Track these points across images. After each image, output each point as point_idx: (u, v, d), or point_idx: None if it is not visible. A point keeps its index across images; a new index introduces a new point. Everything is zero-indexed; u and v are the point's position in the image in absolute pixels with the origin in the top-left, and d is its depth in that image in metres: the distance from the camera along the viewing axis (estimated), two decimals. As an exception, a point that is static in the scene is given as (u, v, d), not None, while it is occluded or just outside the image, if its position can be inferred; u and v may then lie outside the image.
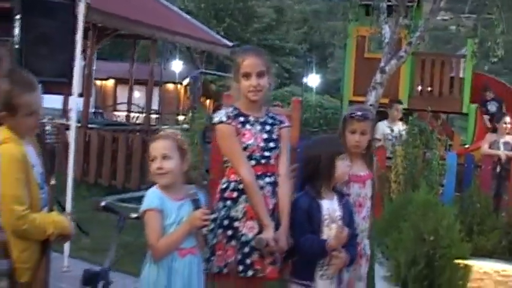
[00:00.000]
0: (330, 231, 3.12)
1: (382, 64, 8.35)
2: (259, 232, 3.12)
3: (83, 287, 2.38)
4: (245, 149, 3.20)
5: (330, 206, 3.18)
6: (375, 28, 9.39)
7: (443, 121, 13.59)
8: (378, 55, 10.19)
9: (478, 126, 12.06)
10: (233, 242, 3.16)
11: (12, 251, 2.18)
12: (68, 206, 5.23)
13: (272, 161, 3.25)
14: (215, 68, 25.80)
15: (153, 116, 18.12)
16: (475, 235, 5.51)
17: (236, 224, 3.17)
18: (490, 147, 7.85)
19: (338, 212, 3.19)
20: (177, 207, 2.92)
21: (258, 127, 3.26)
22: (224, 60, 26.52)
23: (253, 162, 3.19)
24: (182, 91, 26.69)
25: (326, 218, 3.15)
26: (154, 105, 17.84)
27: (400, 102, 8.20)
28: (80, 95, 6.04)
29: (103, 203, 2.66)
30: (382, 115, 7.81)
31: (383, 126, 7.47)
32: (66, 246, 5.23)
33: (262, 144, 3.23)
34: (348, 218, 3.23)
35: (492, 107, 11.97)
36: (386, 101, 8.43)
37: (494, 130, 8.33)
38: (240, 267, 3.14)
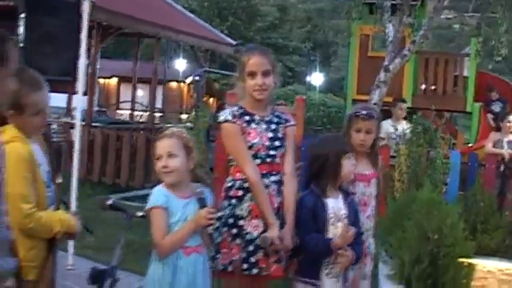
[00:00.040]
0: (336, 230, 3.13)
1: (386, 63, 8.35)
2: (264, 230, 3.13)
3: (90, 284, 2.39)
4: (250, 147, 3.20)
5: (335, 205, 3.19)
6: (378, 27, 9.39)
7: (446, 120, 13.55)
8: (381, 54, 10.19)
9: (481, 125, 12.05)
10: (238, 241, 3.17)
11: (19, 249, 2.19)
12: (73, 204, 5.25)
13: (277, 160, 3.25)
14: (218, 66, 25.80)
15: (157, 115, 18.13)
16: (478, 234, 5.52)
17: (241, 222, 3.18)
18: (494, 146, 7.85)
19: (343, 211, 3.19)
20: (183, 205, 2.93)
21: (264, 126, 3.26)
22: (227, 58, 26.55)
23: (258, 161, 3.20)
24: (185, 89, 26.70)
25: (331, 216, 3.15)
26: (158, 104, 17.84)
27: (404, 101, 8.20)
28: (84, 94, 6.04)
29: (110, 202, 2.67)
30: (386, 114, 7.82)
31: (387, 125, 7.47)
32: (71, 244, 5.24)
33: (267, 143, 3.23)
34: (353, 217, 3.23)
35: (496, 107, 11.95)
36: (390, 99, 8.43)
37: (498, 129, 8.33)
38: (245, 265, 3.15)
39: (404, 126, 7.44)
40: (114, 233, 5.77)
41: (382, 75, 8.31)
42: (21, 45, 4.88)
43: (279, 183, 3.24)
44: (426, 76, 12.77)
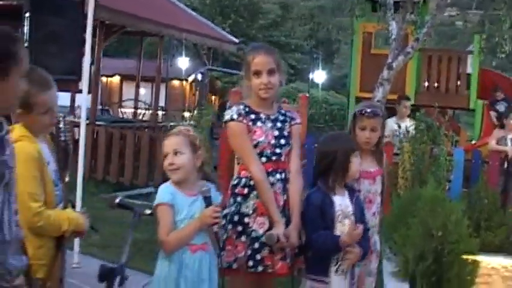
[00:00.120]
0: (343, 227, 3.15)
1: (389, 60, 8.35)
2: (270, 228, 3.14)
3: (100, 282, 2.40)
4: (256, 146, 3.21)
5: (342, 202, 3.20)
6: (381, 24, 9.38)
7: (450, 117, 13.57)
8: (384, 51, 10.19)
9: (485, 122, 12.03)
10: (243, 238, 3.18)
11: (28, 247, 2.22)
12: (78, 203, 5.28)
13: (283, 158, 3.27)
14: (221, 64, 25.80)
15: (160, 113, 18.15)
16: (482, 231, 5.53)
17: (246, 219, 3.19)
18: (497, 143, 7.85)
19: (350, 208, 3.21)
20: (189, 203, 2.94)
21: (269, 124, 3.27)
22: (230, 56, 26.55)
23: (264, 159, 3.21)
24: (188, 88, 26.72)
25: (339, 213, 3.17)
26: (161, 102, 17.86)
27: (408, 99, 8.20)
28: (88, 92, 6.08)
29: (118, 200, 2.69)
30: (390, 111, 7.82)
31: (391, 123, 7.47)
32: (76, 242, 5.27)
33: (273, 141, 3.25)
34: (359, 214, 3.25)
35: (501, 107, 11.92)
36: (394, 97, 8.43)
37: (501, 126, 8.33)
38: (250, 263, 3.16)
39: (407, 123, 7.44)
40: (119, 231, 5.83)
41: (385, 73, 8.30)
42: (26, 44, 4.90)
43: (285, 181, 3.25)
44: (429, 73, 12.75)
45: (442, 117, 11.82)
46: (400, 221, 4.77)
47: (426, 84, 12.76)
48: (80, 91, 6.03)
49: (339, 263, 3.15)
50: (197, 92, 22.13)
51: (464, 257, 4.31)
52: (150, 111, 16.55)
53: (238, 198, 3.23)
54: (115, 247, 5.64)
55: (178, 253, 2.91)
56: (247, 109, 3.26)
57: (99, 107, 17.27)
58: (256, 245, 3.17)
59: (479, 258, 4.55)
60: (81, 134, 5.67)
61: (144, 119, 17.51)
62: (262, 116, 3.27)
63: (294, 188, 3.24)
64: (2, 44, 1.91)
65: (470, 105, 12.49)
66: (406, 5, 8.69)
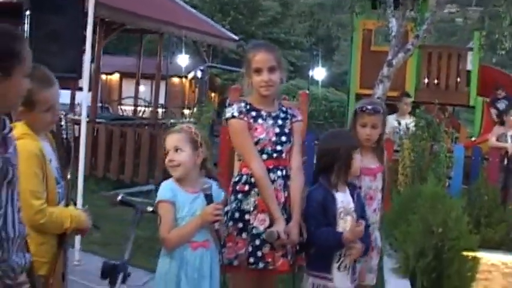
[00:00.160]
0: (345, 224, 3.16)
1: (389, 57, 8.35)
2: (271, 225, 3.15)
3: (102, 279, 2.41)
4: (257, 143, 3.22)
5: (344, 199, 3.21)
6: (381, 21, 9.38)
7: (450, 114, 13.56)
8: (384, 48, 10.18)
9: (485, 119, 12.03)
10: (244, 235, 3.19)
11: (30, 245, 2.23)
12: (79, 200, 5.29)
13: (284, 155, 3.28)
14: (220, 61, 25.78)
15: (160, 110, 18.16)
16: (482, 227, 5.53)
17: (247, 216, 3.20)
18: (497, 140, 7.87)
19: (352, 204, 3.22)
20: (191, 200, 2.96)
21: (270, 121, 3.28)
22: (229, 53, 26.52)
23: (265, 156, 3.22)
24: (188, 85, 26.71)
25: (341, 210, 3.18)
26: (161, 99, 17.86)
27: (409, 96, 8.21)
28: (88, 90, 6.08)
29: (120, 197, 2.70)
30: (390, 108, 7.83)
31: (391, 120, 7.48)
32: (77, 240, 5.28)
33: (274, 138, 3.25)
34: (360, 210, 3.26)
35: (502, 105, 11.93)
36: (394, 94, 8.44)
37: (501, 123, 8.34)
38: (251, 260, 3.17)
39: (407, 120, 7.45)
40: (120, 229, 5.84)
41: (385, 70, 8.30)
42: (27, 43, 4.90)
43: (286, 178, 3.26)
44: (429, 70, 12.75)
45: (442, 114, 11.80)
46: (401, 218, 4.78)
47: (426, 81, 12.76)
48: (80, 89, 6.04)
49: (341, 259, 3.17)
50: (197, 89, 22.14)
51: (465, 253, 4.32)
52: (150, 109, 16.56)
53: (239, 195, 3.23)
54: (116, 245, 5.66)
55: (179, 250, 2.92)
56: (248, 106, 3.27)
57: (99, 104, 17.29)
58: (257, 242, 3.17)
59: (479, 254, 4.57)
60: (82, 131, 5.68)
61: (143, 116, 17.52)
62: (263, 113, 3.28)
63: (295, 185, 3.25)
64: (5, 43, 1.91)
65: (470, 102, 12.49)
66: (406, 2, 8.69)
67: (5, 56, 1.90)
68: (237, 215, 3.22)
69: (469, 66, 12.72)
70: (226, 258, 3.17)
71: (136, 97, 16.69)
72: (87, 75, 5.61)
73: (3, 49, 1.90)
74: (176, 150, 2.97)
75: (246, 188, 3.22)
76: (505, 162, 7.02)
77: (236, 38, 16.91)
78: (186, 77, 26.27)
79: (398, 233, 4.66)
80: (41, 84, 2.62)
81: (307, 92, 9.53)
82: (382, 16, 9.33)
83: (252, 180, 3.20)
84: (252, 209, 3.21)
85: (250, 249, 3.17)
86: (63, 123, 2.82)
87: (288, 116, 3.35)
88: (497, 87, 11.83)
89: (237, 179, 3.28)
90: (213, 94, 25.03)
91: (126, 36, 23.34)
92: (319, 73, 32.34)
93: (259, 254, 3.18)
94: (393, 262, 4.68)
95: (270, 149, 3.24)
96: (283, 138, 3.28)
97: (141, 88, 18.95)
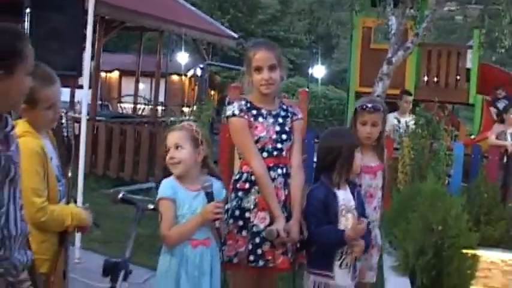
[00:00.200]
0: (346, 222, 3.17)
1: (389, 55, 8.35)
2: (271, 223, 3.16)
3: (104, 276, 2.42)
4: (257, 141, 3.23)
5: (345, 197, 3.22)
6: (381, 19, 9.38)
7: (449, 112, 13.57)
8: (384, 46, 10.19)
9: (484, 117, 12.04)
10: (244, 233, 3.20)
11: (31, 242, 2.24)
12: (79, 198, 5.30)
13: (284, 153, 3.28)
14: (220, 59, 25.78)
15: (159, 108, 18.15)
16: (482, 225, 5.54)
17: (247, 214, 3.21)
18: (497, 138, 7.87)
19: (352, 202, 3.23)
20: (191, 197, 2.96)
21: (271, 120, 3.29)
22: (229, 51, 26.52)
23: (265, 154, 3.23)
24: (187, 83, 26.70)
25: (342, 208, 3.19)
26: (160, 97, 17.85)
27: (409, 94, 8.21)
28: (88, 88, 6.09)
29: (121, 195, 2.71)
30: (390, 106, 7.82)
31: (391, 118, 7.48)
32: (78, 238, 5.29)
33: (274, 136, 3.26)
34: (360, 208, 3.27)
35: (502, 104, 11.94)
36: (392, 92, 8.44)
37: (501, 121, 8.34)
38: (251, 257, 3.18)
39: (407, 118, 7.45)
40: (120, 227, 5.84)
41: (385, 68, 8.30)
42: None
43: (286, 176, 3.27)
44: (429, 68, 12.75)
45: (441, 112, 11.79)
46: (400, 216, 4.79)
47: (426, 79, 12.76)
48: (80, 87, 6.04)
49: (343, 257, 3.18)
50: (196, 87, 22.11)
51: (464, 251, 4.33)
52: (150, 107, 16.56)
53: (240, 193, 3.24)
54: (116, 242, 5.67)
55: (180, 247, 2.93)
56: (248, 105, 3.28)
57: (99, 102, 17.28)
58: (257, 240, 3.18)
59: (479, 252, 4.58)
60: (82, 129, 5.68)
61: (143, 114, 17.51)
62: (264, 111, 3.29)
63: (295, 183, 3.26)
64: (8, 41, 1.91)
65: (469, 100, 12.50)
66: (406, 0, 8.69)
67: (7, 54, 1.90)
68: (237, 212, 3.23)
69: (468, 64, 12.72)
70: (227, 255, 3.18)
71: (136, 95, 16.69)
72: (87, 73, 5.61)
73: (5, 47, 1.91)
74: (177, 147, 2.98)
75: (247, 186, 3.23)
76: (505, 160, 7.01)
77: (236, 36, 16.91)
78: (185, 75, 26.26)
79: (398, 231, 4.67)
80: (42, 82, 2.62)
81: (307, 90, 9.51)
82: (381, 14, 9.33)
83: (253, 178, 3.21)
84: (252, 207, 3.22)
85: (250, 247, 3.18)
86: (63, 121, 2.83)
87: (289, 114, 3.36)
88: (497, 86, 11.83)
89: (237, 176, 3.29)
90: (212, 92, 25.01)
91: (125, 34, 23.35)
92: (318, 71, 32.37)
93: (259, 251, 3.19)
94: (393, 260, 4.69)
95: (270, 147, 3.25)
96: (284, 136, 3.28)
97: (141, 86, 18.95)
